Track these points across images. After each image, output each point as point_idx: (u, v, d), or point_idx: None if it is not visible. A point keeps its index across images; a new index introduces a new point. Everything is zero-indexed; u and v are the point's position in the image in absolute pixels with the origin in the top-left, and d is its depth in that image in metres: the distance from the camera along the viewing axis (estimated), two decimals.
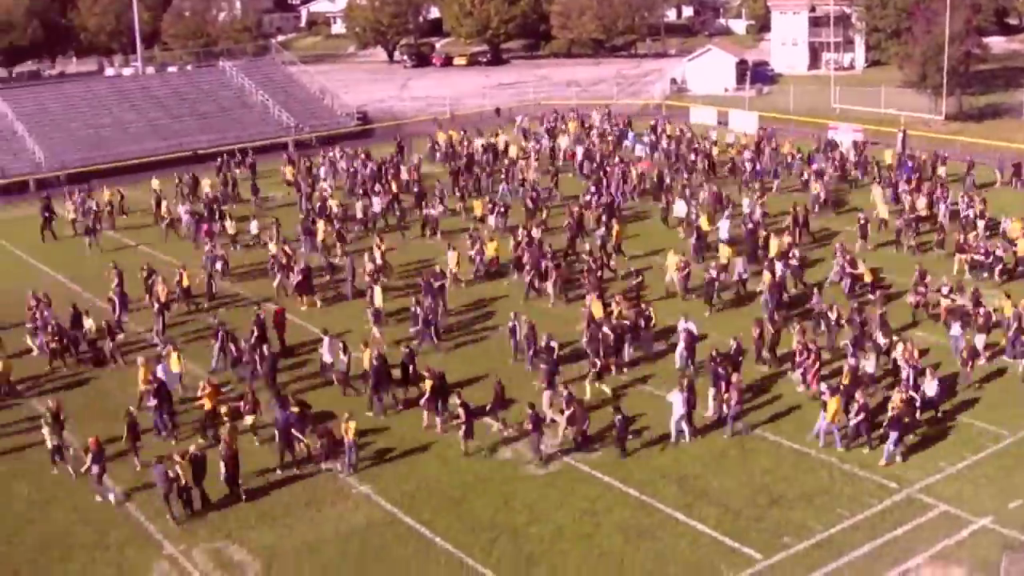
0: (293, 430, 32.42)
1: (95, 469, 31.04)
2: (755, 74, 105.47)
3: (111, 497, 31.33)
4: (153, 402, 34.74)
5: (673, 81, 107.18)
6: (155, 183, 67.77)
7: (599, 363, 36.59)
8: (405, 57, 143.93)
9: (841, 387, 33.33)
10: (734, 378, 33.82)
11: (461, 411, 32.50)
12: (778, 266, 44.18)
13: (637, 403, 35.41)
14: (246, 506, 30.62)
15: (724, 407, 33.66)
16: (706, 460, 32.04)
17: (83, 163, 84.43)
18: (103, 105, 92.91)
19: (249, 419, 33.96)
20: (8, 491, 32.69)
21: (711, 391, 34.34)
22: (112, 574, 27.89)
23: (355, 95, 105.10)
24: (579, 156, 71.81)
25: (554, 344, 37.00)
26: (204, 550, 28.70)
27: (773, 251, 47.21)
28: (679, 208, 56.76)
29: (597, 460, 32.17)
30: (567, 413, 32.67)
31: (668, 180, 63.04)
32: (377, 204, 59.79)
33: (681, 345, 37.85)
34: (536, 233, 50.85)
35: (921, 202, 55.27)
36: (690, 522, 28.80)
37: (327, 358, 38.19)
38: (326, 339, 38.27)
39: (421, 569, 27.29)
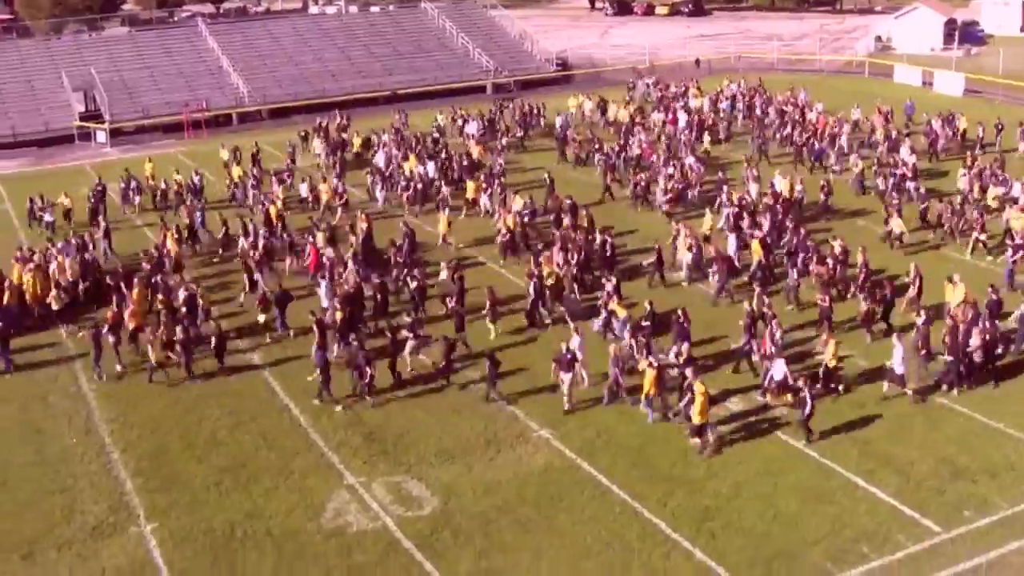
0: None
1: None
2: (964, 34, 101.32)
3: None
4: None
5: (878, 39, 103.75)
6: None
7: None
8: (607, 4, 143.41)
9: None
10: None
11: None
12: None
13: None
14: (427, 443, 31.03)
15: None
16: (891, 426, 31.24)
17: (284, 99, 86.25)
18: (306, 42, 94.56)
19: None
20: (201, 412, 33.81)
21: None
22: (294, 500, 28.58)
23: (555, 41, 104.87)
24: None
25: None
26: (383, 483, 29.19)
27: None
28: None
29: (779, 421, 31.76)
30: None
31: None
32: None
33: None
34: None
35: None
36: (870, 488, 28.12)
37: None
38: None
39: (596, 515, 27.30)
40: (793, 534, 26.30)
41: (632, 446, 30.47)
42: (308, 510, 28.03)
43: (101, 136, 79.92)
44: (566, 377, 32.36)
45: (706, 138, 62.28)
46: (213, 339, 36.51)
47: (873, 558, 25.25)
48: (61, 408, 34.76)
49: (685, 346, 33.51)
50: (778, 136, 63.69)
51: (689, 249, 42.19)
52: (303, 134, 68.67)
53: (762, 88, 74.75)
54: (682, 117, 66.88)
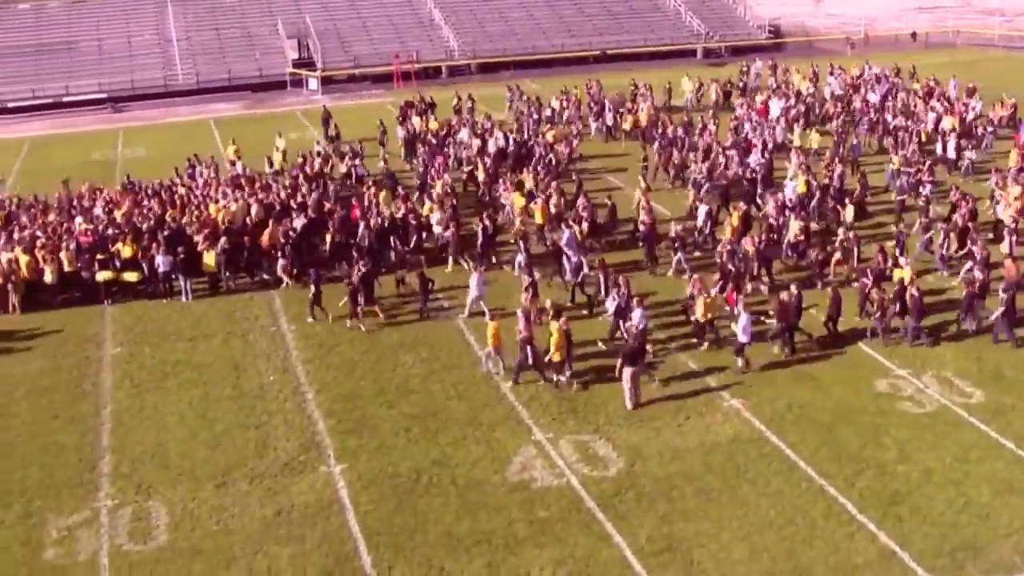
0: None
1: None
2: None
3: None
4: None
5: None
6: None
7: None
8: None
9: None
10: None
11: None
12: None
13: None
14: (616, 404, 30.81)
15: None
16: None
17: (494, 54, 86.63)
18: None
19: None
20: (395, 359, 34.24)
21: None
22: (481, 451, 28.74)
23: (768, 7, 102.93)
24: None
25: None
26: (571, 441, 29.14)
27: None
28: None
29: (975, 405, 30.67)
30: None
31: None
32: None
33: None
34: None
35: None
36: None
37: None
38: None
39: (781, 489, 26.79)
40: (983, 526, 25.36)
41: (823, 422, 29.81)
42: (494, 462, 28.15)
43: (313, 83, 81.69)
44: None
45: (796, 130, 58.15)
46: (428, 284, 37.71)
47: None
48: (260, 346, 35.68)
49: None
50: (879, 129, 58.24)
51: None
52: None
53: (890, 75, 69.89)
54: (775, 106, 61.82)
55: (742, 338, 32.65)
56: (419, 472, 27.73)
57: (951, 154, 52.11)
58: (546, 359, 31.88)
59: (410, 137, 57.73)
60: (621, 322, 34.28)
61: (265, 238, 41.46)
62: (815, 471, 27.38)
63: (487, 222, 42.08)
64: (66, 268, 39.71)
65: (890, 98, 63.96)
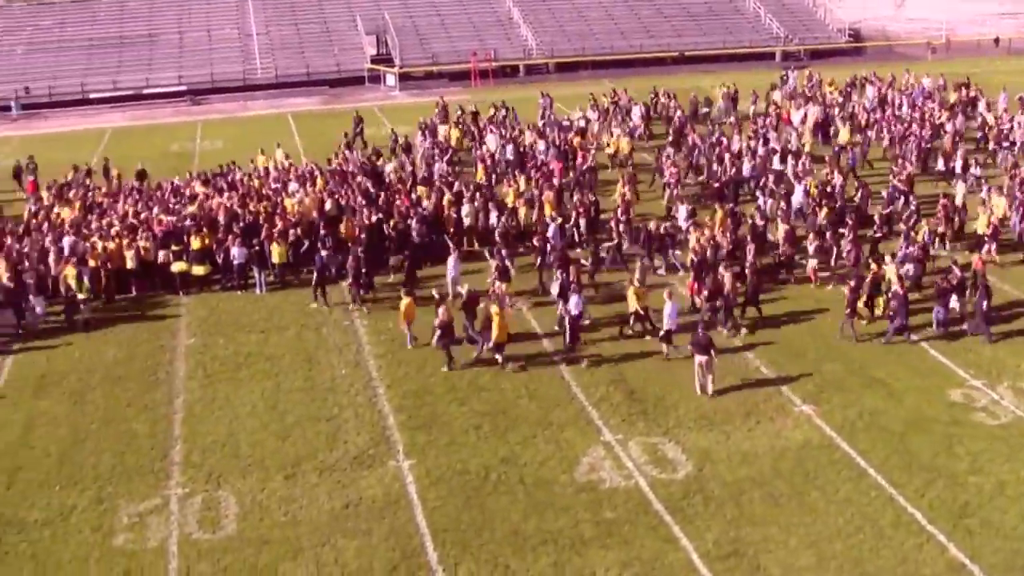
0: None
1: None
2: None
3: None
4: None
5: None
6: None
7: None
8: None
9: None
10: None
11: None
12: None
13: None
14: (687, 407, 30.68)
15: None
16: None
17: (572, 53, 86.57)
18: None
19: None
20: (467, 356, 34.13)
21: None
22: (550, 451, 28.68)
23: (849, 11, 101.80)
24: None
25: None
26: (640, 443, 29.01)
27: None
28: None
29: None
30: None
31: None
32: None
33: None
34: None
35: None
36: None
37: None
38: None
39: (849, 497, 26.48)
40: None
41: (895, 431, 29.47)
42: (563, 462, 28.11)
43: (390, 79, 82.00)
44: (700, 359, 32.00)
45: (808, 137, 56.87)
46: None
47: None
48: (333, 340, 35.89)
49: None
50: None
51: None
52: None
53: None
54: (805, 114, 60.12)
55: (668, 325, 33.64)
56: (487, 470, 27.77)
57: (958, 167, 50.58)
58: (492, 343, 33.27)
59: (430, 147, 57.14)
60: (563, 303, 35.38)
61: (343, 231, 41.83)
62: (885, 479, 27.09)
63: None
64: (143, 257, 40.13)
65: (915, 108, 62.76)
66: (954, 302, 35.45)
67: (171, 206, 45.51)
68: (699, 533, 25.06)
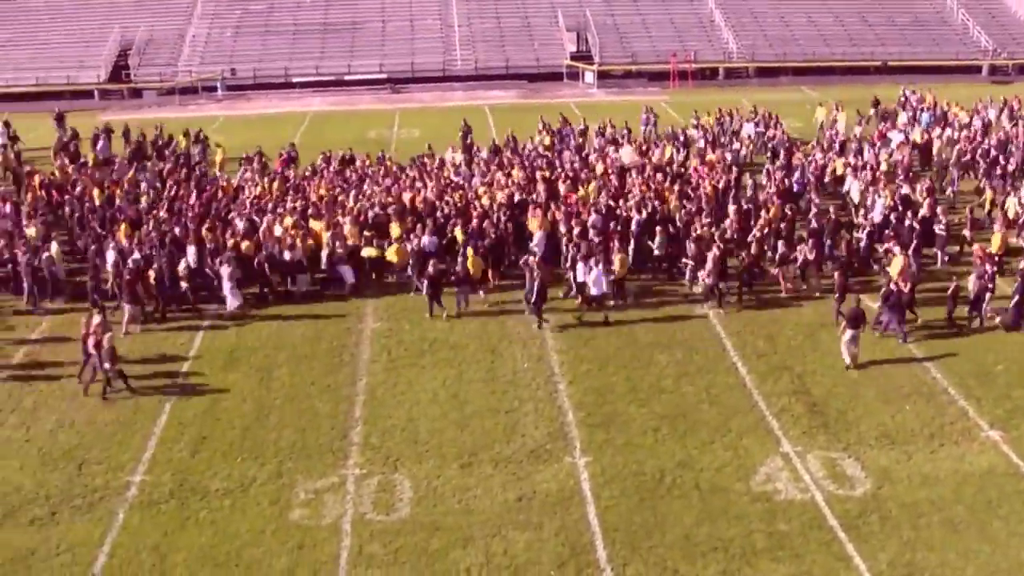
0: None
1: None
2: None
3: None
4: None
5: None
6: None
7: None
8: None
9: None
10: None
11: None
12: None
13: None
14: (869, 423, 30.02)
15: None
16: None
17: (773, 59, 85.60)
18: (799, 2, 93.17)
19: None
20: (650, 358, 34.12)
21: None
22: (727, 457, 28.39)
23: None
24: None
25: None
26: (819, 457, 28.52)
27: None
28: None
29: None
30: None
31: None
32: None
33: None
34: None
35: None
36: None
37: None
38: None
39: None
40: None
41: None
42: (739, 470, 27.83)
43: (589, 77, 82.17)
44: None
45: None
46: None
47: None
48: (517, 332, 36.11)
49: None
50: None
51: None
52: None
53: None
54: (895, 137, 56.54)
55: (593, 290, 36.38)
56: (663, 472, 27.63)
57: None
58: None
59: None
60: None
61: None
62: None
63: None
64: (349, 242, 40.76)
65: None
66: None
67: (367, 193, 46.26)
68: (873, 553, 24.53)
